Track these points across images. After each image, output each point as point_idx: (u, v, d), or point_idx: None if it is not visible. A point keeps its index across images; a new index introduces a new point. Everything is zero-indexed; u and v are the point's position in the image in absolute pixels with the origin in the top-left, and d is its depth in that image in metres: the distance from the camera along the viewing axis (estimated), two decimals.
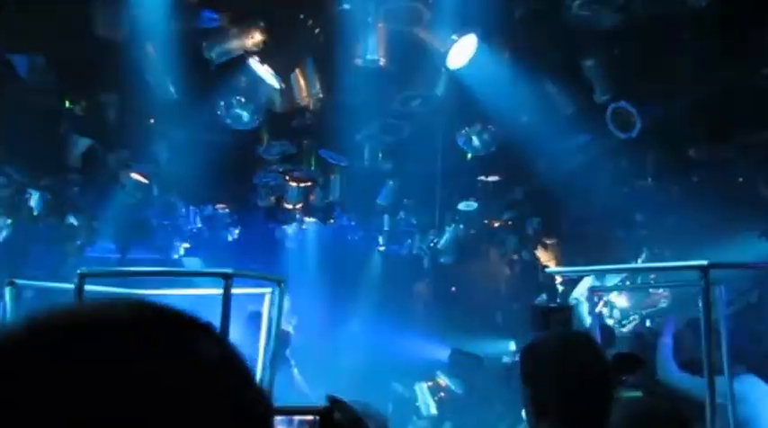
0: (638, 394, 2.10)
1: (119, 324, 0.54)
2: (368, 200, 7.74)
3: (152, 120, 5.50)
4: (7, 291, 4.13)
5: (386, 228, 8.78)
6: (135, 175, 6.09)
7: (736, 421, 3.72)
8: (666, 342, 5.21)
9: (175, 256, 7.97)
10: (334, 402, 1.43)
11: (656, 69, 5.22)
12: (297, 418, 1.44)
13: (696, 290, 3.73)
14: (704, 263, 3.59)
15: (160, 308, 0.58)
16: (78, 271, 3.48)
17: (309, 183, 7.10)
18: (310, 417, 1.41)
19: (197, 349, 0.56)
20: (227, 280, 3.82)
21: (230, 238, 8.33)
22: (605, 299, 7.49)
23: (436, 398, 8.70)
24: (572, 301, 7.08)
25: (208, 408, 0.53)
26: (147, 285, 4.56)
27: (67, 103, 5.00)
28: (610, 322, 7.31)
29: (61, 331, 0.54)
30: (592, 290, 5.31)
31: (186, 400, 0.52)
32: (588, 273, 6.58)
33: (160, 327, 0.56)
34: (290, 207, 7.42)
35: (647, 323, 7.24)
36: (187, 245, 7.99)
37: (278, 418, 1.46)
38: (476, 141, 6.24)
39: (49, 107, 4.91)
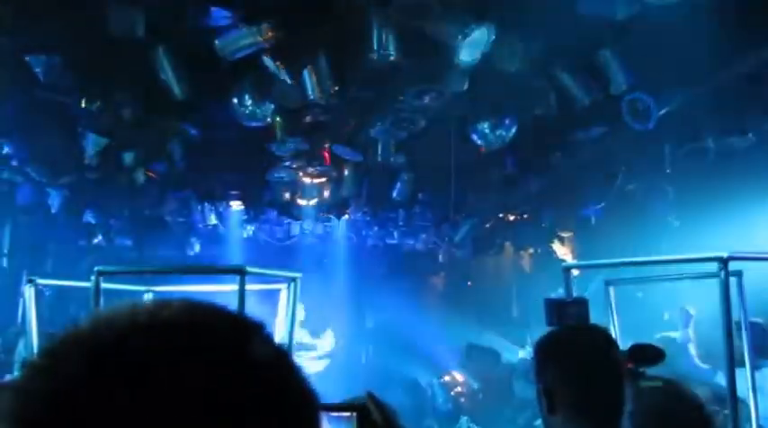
0: (659, 383, 2.10)
1: (175, 326, 0.56)
2: (382, 195, 7.73)
3: (166, 119, 5.52)
4: (27, 289, 4.18)
5: (400, 223, 8.77)
6: (150, 173, 6.14)
7: (756, 412, 3.69)
8: (685, 333, 5.22)
9: (191, 253, 8.03)
10: (371, 398, 1.42)
11: (673, 60, 5.15)
12: (333, 414, 1.39)
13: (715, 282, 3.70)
14: (723, 254, 3.59)
15: (214, 310, 0.59)
16: (96, 269, 3.50)
17: (323, 179, 7.10)
18: (347, 413, 1.39)
19: (252, 351, 0.57)
20: (242, 276, 3.84)
21: (245, 235, 8.36)
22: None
23: (453, 393, 8.69)
24: (588, 296, 7.02)
25: (265, 410, 0.55)
26: (163, 282, 4.58)
27: (84, 103, 5.04)
28: None
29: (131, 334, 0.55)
30: (608, 284, 5.29)
31: (243, 404, 0.53)
32: (604, 266, 6.52)
33: (217, 330, 0.57)
34: (304, 203, 7.43)
35: (666, 316, 7.18)
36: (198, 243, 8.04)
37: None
38: (490, 135, 6.20)
39: (66, 107, 4.95)
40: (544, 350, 1.82)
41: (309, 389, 0.60)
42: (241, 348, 0.57)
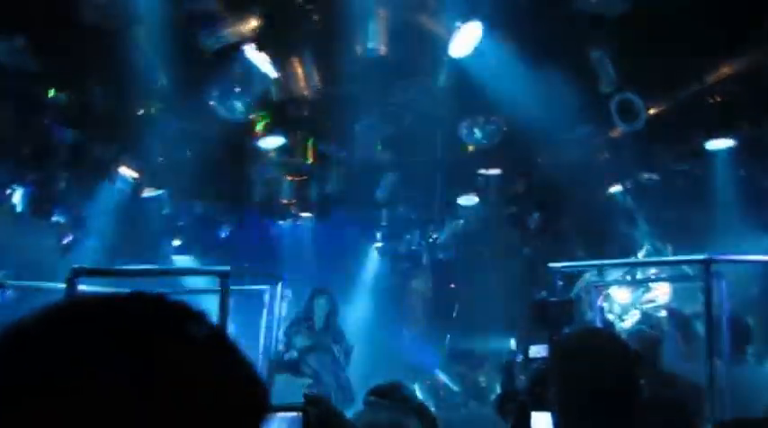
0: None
1: (114, 309, 0.60)
2: (366, 194, 7.59)
3: (141, 111, 5.30)
4: None
5: (384, 223, 8.64)
6: (124, 170, 5.91)
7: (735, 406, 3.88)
8: (671, 333, 5.35)
9: (167, 255, 7.78)
10: (313, 399, 1.55)
11: (663, 60, 5.12)
12: (279, 415, 1.50)
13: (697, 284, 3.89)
14: (705, 257, 3.71)
15: (152, 298, 0.63)
16: (73, 268, 3.33)
17: (305, 177, 6.93)
18: (292, 414, 1.50)
19: (188, 328, 0.60)
20: (224, 278, 3.72)
21: (223, 235, 8.15)
22: (605, 294, 7.45)
23: (434, 397, 8.58)
24: (573, 297, 7.00)
25: (198, 379, 0.57)
26: (141, 284, 4.39)
27: (52, 92, 4.78)
28: (610, 317, 7.24)
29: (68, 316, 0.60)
30: (592, 285, 5.37)
31: (178, 370, 0.57)
32: (589, 268, 6.58)
33: (153, 313, 0.61)
34: (285, 202, 7.25)
35: (649, 318, 7.17)
36: (178, 242, 7.80)
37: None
38: (478, 133, 6.10)
39: (32, 96, 4.70)
40: (555, 358, 1.89)
41: (250, 371, 0.63)
42: (177, 325, 0.60)
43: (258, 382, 0.63)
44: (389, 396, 2.35)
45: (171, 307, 0.63)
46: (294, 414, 1.49)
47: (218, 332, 0.63)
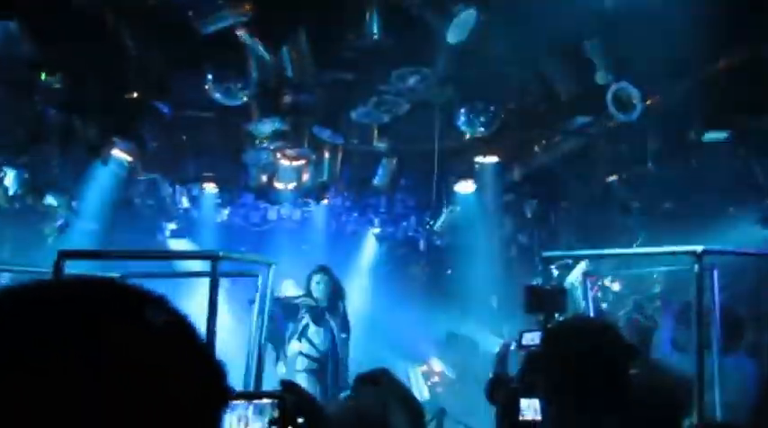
0: (634, 371, 2.22)
1: (67, 296, 0.60)
2: (363, 180, 7.58)
3: (135, 95, 5.28)
4: None
5: (382, 210, 8.63)
6: (117, 152, 5.88)
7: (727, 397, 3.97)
8: (666, 323, 5.36)
9: (162, 238, 7.77)
10: (290, 386, 1.56)
11: (659, 51, 5.09)
12: (255, 402, 1.51)
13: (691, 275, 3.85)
14: (698, 248, 3.82)
15: (109, 282, 0.64)
16: (59, 251, 3.33)
17: (302, 162, 6.91)
18: (268, 401, 1.51)
19: (143, 314, 0.60)
20: (215, 262, 3.73)
21: (219, 219, 8.14)
22: (600, 284, 7.46)
23: (429, 383, 8.63)
24: (567, 286, 7.02)
25: (148, 363, 0.57)
26: (132, 267, 4.40)
27: (44, 76, 4.76)
28: (604, 306, 7.25)
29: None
30: (586, 275, 5.39)
31: (127, 354, 0.57)
32: (584, 257, 6.60)
33: (108, 297, 0.61)
34: (281, 186, 7.23)
35: (642, 308, 7.18)
36: (174, 226, 7.79)
37: (242, 401, 1.53)
38: (475, 121, 6.07)
39: (24, 79, 4.67)
40: (545, 346, 1.88)
41: (208, 359, 0.62)
42: (132, 311, 0.60)
43: (216, 371, 0.63)
44: (375, 384, 2.36)
45: (127, 291, 0.62)
46: (271, 401, 1.49)
47: (178, 318, 0.63)
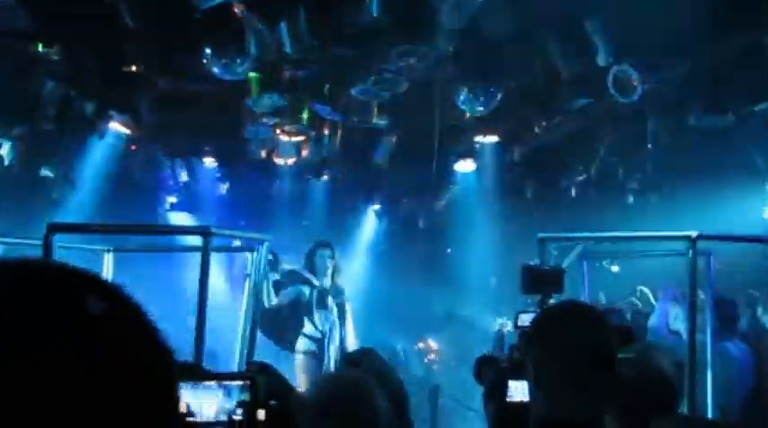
0: (631, 355, 2.18)
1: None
2: (363, 157, 7.56)
3: (134, 68, 5.25)
4: None
5: (382, 187, 8.62)
6: (115, 125, 5.86)
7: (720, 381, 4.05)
8: (662, 307, 5.41)
9: (163, 211, 7.79)
10: (261, 367, 1.54)
11: (660, 34, 5.03)
12: (225, 383, 1.53)
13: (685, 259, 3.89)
14: (693, 233, 3.79)
15: (46, 265, 0.61)
16: (48, 224, 3.32)
17: (301, 138, 6.89)
18: (239, 382, 1.51)
19: (79, 302, 0.58)
20: (206, 237, 3.72)
21: (218, 194, 8.14)
22: (597, 265, 7.46)
23: (425, 360, 8.70)
24: (564, 266, 7.02)
25: (84, 358, 0.55)
26: (127, 241, 4.42)
27: (41, 47, 4.73)
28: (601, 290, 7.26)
29: None
30: (582, 257, 5.37)
31: (60, 348, 0.55)
32: (582, 240, 6.57)
33: (41, 282, 0.58)
34: (281, 162, 7.22)
35: (637, 293, 7.19)
36: (174, 200, 7.80)
37: (212, 383, 1.52)
38: (475, 100, 6.02)
39: (21, 51, 4.64)
40: (535, 328, 1.83)
41: (155, 348, 0.61)
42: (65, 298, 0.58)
43: (160, 356, 0.61)
44: (356, 365, 2.38)
45: (70, 279, 0.60)
46: (241, 382, 1.49)
47: (121, 302, 0.61)
